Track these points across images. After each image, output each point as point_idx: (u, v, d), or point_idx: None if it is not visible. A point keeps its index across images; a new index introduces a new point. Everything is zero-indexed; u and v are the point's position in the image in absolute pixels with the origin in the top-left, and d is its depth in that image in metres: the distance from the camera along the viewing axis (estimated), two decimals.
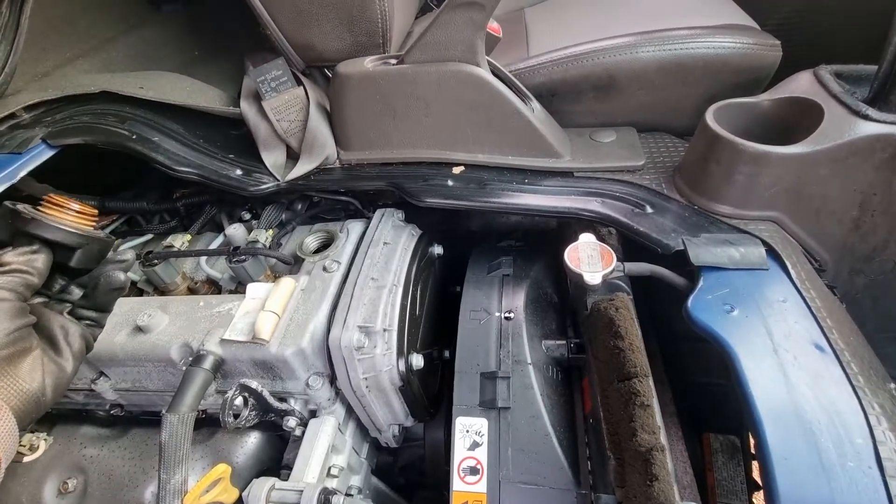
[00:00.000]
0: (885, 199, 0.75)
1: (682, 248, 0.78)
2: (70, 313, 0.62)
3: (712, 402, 0.89)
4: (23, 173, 0.83)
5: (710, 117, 0.80)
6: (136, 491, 0.89)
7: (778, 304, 0.69)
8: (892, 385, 0.62)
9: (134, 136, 0.92)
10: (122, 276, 0.63)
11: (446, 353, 1.07)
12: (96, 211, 0.62)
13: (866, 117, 0.71)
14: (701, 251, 0.76)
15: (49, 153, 0.88)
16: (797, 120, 0.79)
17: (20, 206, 0.58)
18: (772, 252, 0.76)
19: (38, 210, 0.58)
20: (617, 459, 0.63)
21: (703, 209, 0.84)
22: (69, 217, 0.60)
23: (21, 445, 0.91)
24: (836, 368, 0.61)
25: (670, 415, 0.82)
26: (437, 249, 1.03)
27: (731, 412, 0.87)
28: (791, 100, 0.81)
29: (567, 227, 1.02)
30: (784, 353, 0.63)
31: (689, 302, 0.72)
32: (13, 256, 0.56)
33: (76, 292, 0.64)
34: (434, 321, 1.02)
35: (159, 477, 0.69)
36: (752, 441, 0.80)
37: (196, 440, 0.92)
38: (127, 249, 0.68)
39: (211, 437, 0.92)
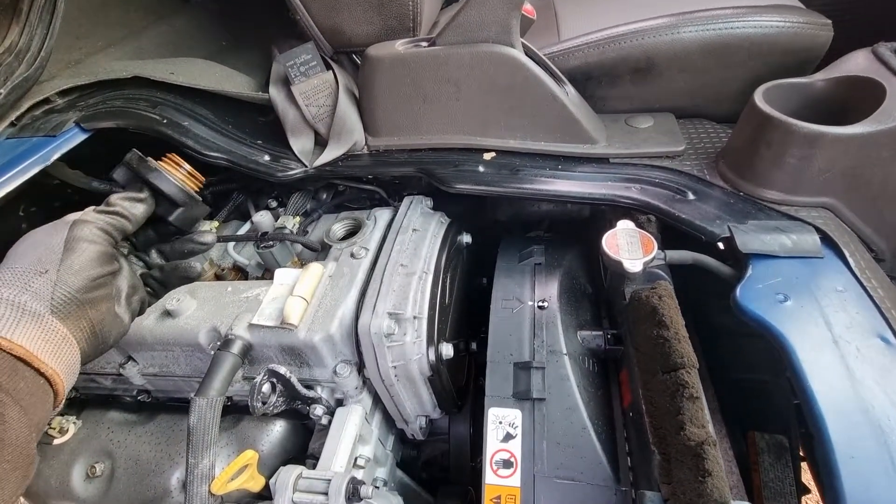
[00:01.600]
0: None
1: (729, 235, 0.74)
2: (141, 275, 0.65)
3: (757, 400, 0.84)
4: (56, 155, 0.84)
5: (759, 97, 0.76)
6: (162, 477, 0.89)
7: (836, 294, 0.65)
8: None
9: (165, 121, 0.92)
10: (199, 267, 0.68)
11: (473, 346, 1.05)
12: (203, 178, 0.68)
13: None
14: (749, 238, 0.72)
15: (82, 136, 0.88)
16: (854, 100, 0.75)
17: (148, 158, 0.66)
18: (826, 240, 0.71)
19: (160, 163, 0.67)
20: (662, 454, 0.59)
21: (749, 195, 0.80)
22: (181, 175, 0.68)
23: (51, 428, 0.92)
24: None
25: (713, 412, 0.78)
26: (466, 238, 1.00)
27: (778, 410, 0.83)
28: (848, 79, 0.76)
29: (600, 216, 0.98)
30: (846, 345, 0.59)
31: (738, 291, 0.68)
32: (118, 199, 0.61)
33: (155, 257, 0.67)
34: (461, 312, 1.00)
35: (187, 461, 0.68)
36: (802, 440, 0.75)
37: (222, 427, 0.91)
38: (207, 232, 0.71)
39: (236, 425, 0.91)
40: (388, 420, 0.93)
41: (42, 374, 0.48)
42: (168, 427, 0.95)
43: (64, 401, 0.52)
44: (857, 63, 0.77)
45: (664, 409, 0.60)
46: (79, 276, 0.52)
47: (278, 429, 0.90)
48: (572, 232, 1.03)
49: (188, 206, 0.67)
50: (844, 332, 0.60)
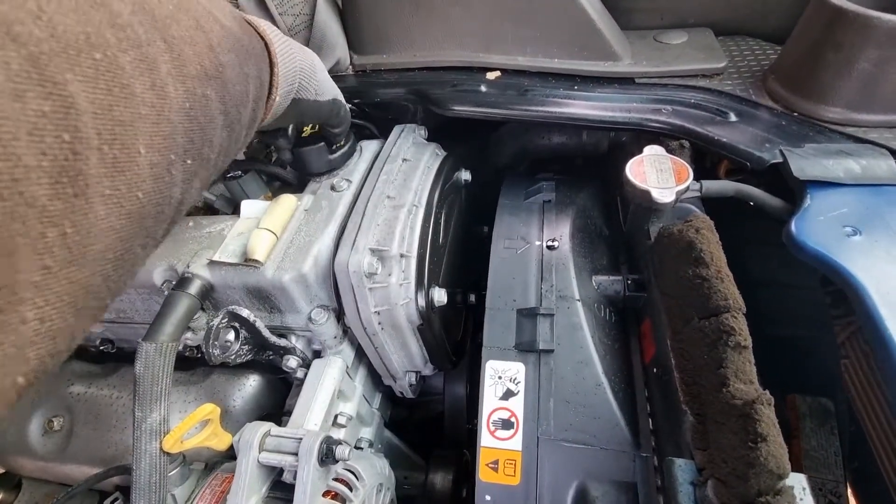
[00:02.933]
0: None
1: (781, 160, 0.61)
2: None
3: (797, 359, 0.73)
4: None
5: None
6: (124, 433, 0.80)
7: None
8: None
9: None
10: None
11: (472, 298, 0.94)
12: None
13: None
14: (807, 163, 0.59)
15: None
16: None
17: None
18: None
19: None
20: (696, 416, 0.48)
21: (806, 116, 0.66)
22: None
23: None
24: None
25: None
26: (465, 175, 0.87)
27: (822, 370, 0.72)
28: None
29: (620, 150, 0.85)
30: None
31: (793, 225, 0.55)
32: None
33: None
34: (459, 260, 0.88)
35: (133, 415, 0.58)
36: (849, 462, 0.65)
37: (190, 381, 0.82)
38: None
39: (206, 378, 0.81)
40: (375, 376, 0.83)
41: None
42: (131, 379, 0.86)
43: None
44: None
45: (700, 362, 0.49)
46: None
47: (252, 383, 0.81)
48: (587, 172, 0.90)
49: None
50: None
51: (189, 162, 0.35)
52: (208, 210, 0.92)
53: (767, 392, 0.43)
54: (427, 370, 0.81)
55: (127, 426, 0.81)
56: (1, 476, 0.94)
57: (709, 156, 0.75)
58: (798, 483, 0.43)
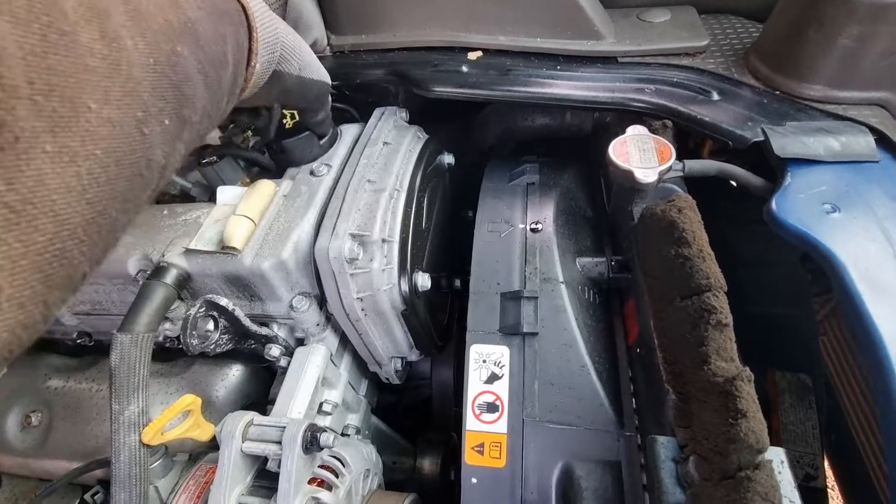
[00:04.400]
0: None
1: (763, 138, 0.61)
2: None
3: (777, 336, 0.74)
4: None
5: None
6: (104, 426, 0.79)
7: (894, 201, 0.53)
8: None
9: None
10: None
11: (457, 283, 0.93)
12: None
13: None
14: (787, 141, 0.59)
15: None
16: None
17: None
18: (883, 141, 0.59)
19: None
20: (678, 394, 0.49)
21: (787, 94, 0.66)
22: None
23: None
24: None
25: None
26: (448, 158, 0.86)
27: (801, 347, 0.73)
28: None
29: (604, 131, 0.84)
30: None
31: (774, 202, 0.55)
32: None
33: None
34: (444, 245, 0.87)
35: (110, 407, 0.57)
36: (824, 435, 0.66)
37: (171, 372, 0.81)
38: None
39: (188, 369, 0.80)
40: (360, 362, 0.83)
41: None
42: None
43: None
44: None
45: (682, 341, 0.49)
46: None
47: (235, 373, 0.79)
48: (571, 153, 0.89)
49: None
50: None
51: (167, 122, 0.33)
52: (184, 198, 0.90)
53: (748, 369, 0.43)
54: (413, 356, 0.81)
55: (107, 419, 0.79)
56: None
57: (693, 136, 0.75)
58: (777, 457, 0.43)
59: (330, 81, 0.68)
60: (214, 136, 0.80)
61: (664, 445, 0.47)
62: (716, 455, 0.42)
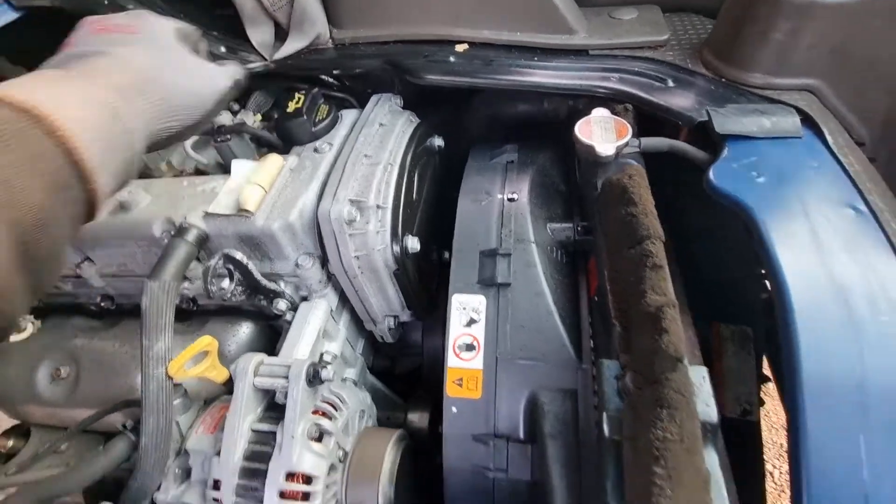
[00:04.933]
0: None
1: (707, 118, 0.70)
2: None
3: (726, 296, 0.84)
4: None
5: None
6: (128, 378, 0.88)
7: (811, 170, 0.62)
8: None
9: (107, 2, 0.84)
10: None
11: (446, 255, 1.02)
12: None
13: None
14: (727, 121, 0.69)
15: (12, 15, 0.80)
16: None
17: None
18: (807, 121, 0.68)
19: None
20: (623, 327, 0.58)
21: (732, 81, 0.75)
22: None
23: None
24: (874, 229, 0.55)
25: (681, 304, 0.77)
26: (438, 141, 0.95)
27: (745, 305, 0.82)
28: None
29: (577, 116, 0.94)
30: (816, 215, 0.57)
31: (711, 171, 0.65)
32: None
33: None
34: (434, 220, 0.97)
35: (141, 344, 0.66)
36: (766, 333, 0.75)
37: (187, 331, 0.90)
38: None
39: (202, 326, 0.89)
40: (358, 323, 0.92)
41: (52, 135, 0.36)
42: (132, 330, 0.93)
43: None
44: None
45: (628, 282, 0.59)
46: None
47: (245, 330, 0.89)
48: (550, 137, 0.98)
49: None
50: (816, 203, 0.58)
51: None
52: (199, 174, 0.99)
53: (675, 299, 0.53)
54: (405, 315, 0.90)
55: (130, 371, 0.88)
56: (12, 427, 1.01)
57: (668, 125, 0.84)
58: (699, 374, 0.52)
59: (224, 83, 0.61)
60: (228, 118, 0.90)
61: (609, 367, 0.56)
62: (645, 367, 0.51)
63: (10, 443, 0.98)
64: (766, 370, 0.84)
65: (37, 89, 0.39)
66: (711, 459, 0.49)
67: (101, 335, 0.94)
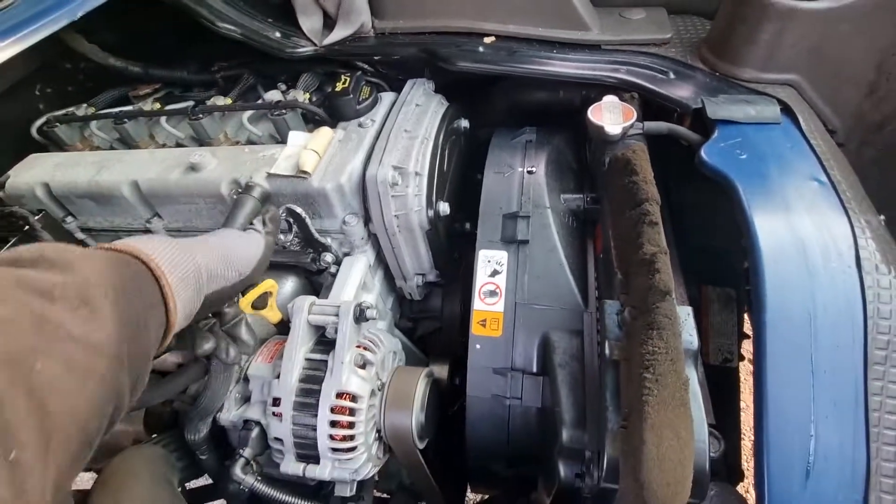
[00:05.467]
0: None
1: (701, 105, 0.82)
2: None
3: (714, 263, 0.96)
4: (81, 12, 0.88)
5: None
6: None
7: (786, 150, 0.74)
8: (882, 217, 0.68)
9: None
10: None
11: (467, 226, 1.15)
12: None
13: None
14: (718, 108, 0.81)
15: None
16: None
17: None
18: (787, 111, 0.80)
19: None
20: (623, 274, 0.70)
21: (724, 75, 0.87)
22: None
23: None
24: (832, 196, 0.67)
25: (675, 267, 0.89)
26: (464, 123, 1.08)
27: (730, 270, 0.94)
28: None
29: (589, 104, 1.05)
30: (786, 185, 0.69)
31: (703, 150, 0.77)
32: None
33: None
34: (459, 193, 1.09)
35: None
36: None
37: None
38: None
39: None
40: (389, 280, 1.04)
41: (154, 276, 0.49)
42: None
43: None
44: None
45: (628, 238, 0.71)
46: None
47: (290, 284, 1.01)
48: (564, 123, 1.10)
49: None
50: (786, 176, 0.70)
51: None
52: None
53: (666, 248, 0.65)
54: (432, 275, 1.02)
55: None
56: None
57: (675, 113, 0.95)
58: (684, 311, 0.65)
59: (257, 256, 0.71)
60: (279, 96, 1.02)
61: (610, 305, 0.68)
62: (640, 301, 0.63)
63: None
64: (749, 330, 0.96)
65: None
66: (692, 376, 0.61)
67: None
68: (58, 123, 1.08)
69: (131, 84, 1.22)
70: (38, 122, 1.11)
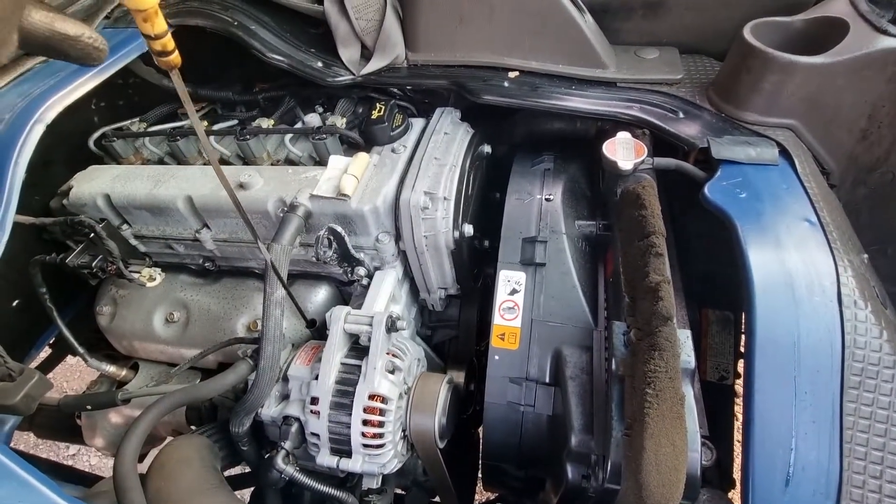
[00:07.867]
0: (892, 111, 0.85)
1: (706, 145, 0.90)
2: None
3: (714, 286, 1.04)
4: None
5: (747, 31, 0.90)
6: (230, 322, 1.10)
7: (781, 191, 0.82)
8: (865, 256, 0.75)
9: (235, 23, 1.06)
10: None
11: (486, 243, 1.24)
12: None
13: (885, 32, 0.80)
14: (722, 148, 0.89)
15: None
16: (826, 37, 0.89)
17: None
18: (784, 153, 0.88)
19: None
20: (630, 298, 0.79)
21: (729, 117, 0.95)
22: None
23: (142, 276, 1.12)
24: (820, 236, 0.75)
25: (677, 290, 0.98)
26: (487, 148, 1.16)
27: (729, 294, 1.02)
28: (821, 19, 0.90)
29: (604, 135, 1.14)
30: (779, 223, 0.77)
31: (707, 187, 0.85)
32: None
33: None
34: (478, 214, 1.18)
35: (265, 291, 0.87)
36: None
37: None
38: None
39: (291, 286, 1.11)
40: (414, 292, 1.13)
41: None
42: (232, 287, 1.15)
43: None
44: (835, 6, 0.91)
45: (636, 266, 0.79)
46: None
47: (323, 292, 1.11)
48: (579, 152, 1.18)
49: None
50: (780, 215, 0.78)
51: None
52: (291, 164, 1.21)
53: (670, 278, 0.73)
54: (453, 289, 1.11)
55: (232, 317, 1.10)
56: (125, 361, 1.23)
57: (681, 150, 1.03)
58: (684, 334, 0.73)
59: None
60: (319, 122, 1.11)
61: (618, 326, 0.77)
62: (645, 324, 0.71)
63: (123, 373, 1.21)
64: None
65: None
66: (688, 392, 0.69)
67: (206, 289, 1.17)
68: (115, 138, 1.19)
69: (178, 101, 1.32)
70: (95, 135, 1.21)
